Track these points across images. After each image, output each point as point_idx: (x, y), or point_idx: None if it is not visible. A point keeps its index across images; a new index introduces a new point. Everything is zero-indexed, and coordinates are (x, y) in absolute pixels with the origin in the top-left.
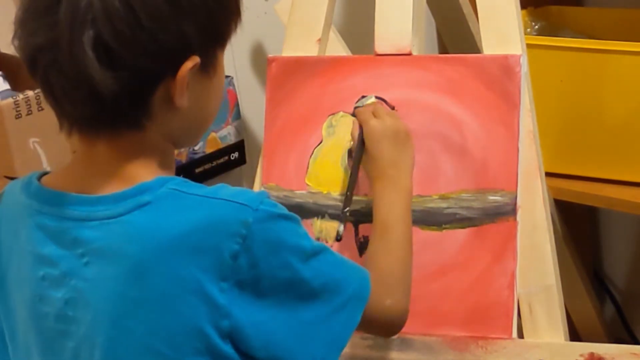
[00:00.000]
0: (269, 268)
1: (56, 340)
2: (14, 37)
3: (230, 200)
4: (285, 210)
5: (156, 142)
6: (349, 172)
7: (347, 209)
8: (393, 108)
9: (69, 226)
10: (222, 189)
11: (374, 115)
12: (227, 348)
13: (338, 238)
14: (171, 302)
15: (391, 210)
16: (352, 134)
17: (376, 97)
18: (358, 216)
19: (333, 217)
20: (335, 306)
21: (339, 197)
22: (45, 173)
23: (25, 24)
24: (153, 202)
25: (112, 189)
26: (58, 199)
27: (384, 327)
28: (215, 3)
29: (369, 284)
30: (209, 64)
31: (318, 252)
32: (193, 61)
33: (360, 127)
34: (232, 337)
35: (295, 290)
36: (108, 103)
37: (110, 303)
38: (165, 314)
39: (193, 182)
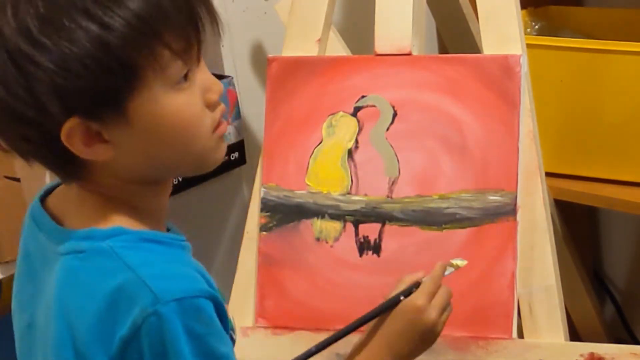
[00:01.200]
0: None
1: (27, 354)
2: None
3: (144, 282)
4: (205, 321)
5: (113, 186)
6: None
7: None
8: (394, 109)
9: (47, 251)
10: (167, 263)
11: (437, 300)
12: None
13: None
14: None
15: None
16: (406, 278)
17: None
18: (358, 216)
19: (333, 217)
20: None
21: (339, 197)
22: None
23: None
24: (87, 252)
25: (75, 223)
26: (44, 223)
27: None
28: (63, 74)
29: None
30: (112, 116)
31: None
32: (68, 125)
33: (415, 284)
34: None
35: None
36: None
37: (40, 339)
38: None
39: (147, 244)
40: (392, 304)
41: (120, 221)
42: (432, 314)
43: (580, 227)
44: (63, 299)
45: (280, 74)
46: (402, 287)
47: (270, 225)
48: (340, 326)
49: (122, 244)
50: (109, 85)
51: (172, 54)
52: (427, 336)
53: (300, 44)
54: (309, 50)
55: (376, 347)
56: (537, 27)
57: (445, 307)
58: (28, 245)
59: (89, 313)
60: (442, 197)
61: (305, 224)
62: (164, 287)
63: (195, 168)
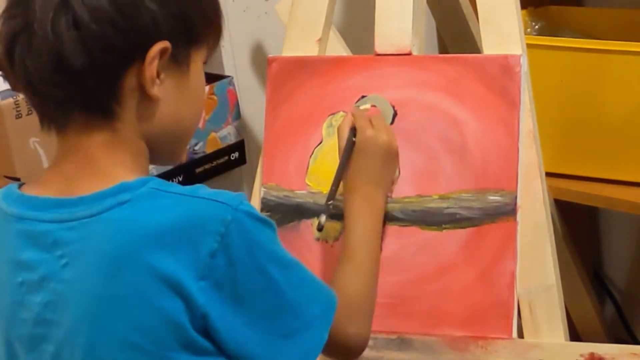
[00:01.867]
0: (245, 270)
1: (35, 346)
2: None
3: (209, 199)
4: (262, 215)
5: (130, 139)
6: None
7: (331, 202)
8: (394, 109)
9: (50, 229)
10: (201, 188)
11: (372, 124)
12: (205, 343)
13: (319, 227)
14: (150, 298)
15: (365, 233)
16: (340, 129)
17: (373, 106)
18: None
19: (333, 217)
20: (304, 322)
21: (339, 197)
22: (22, 184)
23: (7, 10)
24: (132, 200)
25: (92, 188)
26: (40, 204)
27: (343, 353)
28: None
29: (335, 306)
30: (182, 58)
31: (292, 265)
32: (162, 44)
33: (353, 128)
34: (208, 333)
35: (270, 299)
36: (78, 80)
37: (90, 302)
38: (145, 310)
39: (173, 183)
40: (351, 147)
41: (136, 174)
42: (382, 134)
43: (580, 227)
44: (130, 245)
45: (280, 74)
46: (344, 134)
47: None
48: None
49: (160, 185)
50: (197, 24)
51: (218, 38)
52: (387, 157)
53: (300, 44)
54: (309, 50)
55: (362, 206)
56: (537, 27)
57: (386, 126)
58: (26, 233)
59: (166, 246)
60: (442, 197)
61: (305, 223)
62: (227, 197)
63: (171, 155)
